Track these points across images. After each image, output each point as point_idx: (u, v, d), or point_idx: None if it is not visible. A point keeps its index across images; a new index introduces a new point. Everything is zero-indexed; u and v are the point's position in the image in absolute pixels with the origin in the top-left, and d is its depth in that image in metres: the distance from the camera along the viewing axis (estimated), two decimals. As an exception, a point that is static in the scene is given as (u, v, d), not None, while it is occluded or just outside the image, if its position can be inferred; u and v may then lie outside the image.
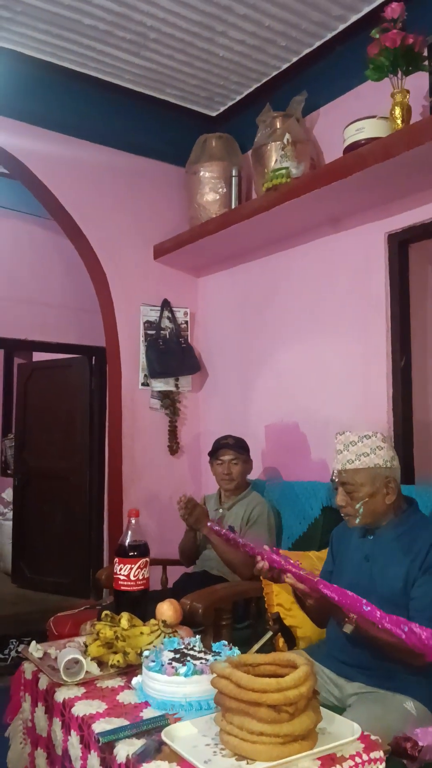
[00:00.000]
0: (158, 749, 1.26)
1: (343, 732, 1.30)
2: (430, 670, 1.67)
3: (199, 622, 2.22)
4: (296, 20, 3.02)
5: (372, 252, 2.94)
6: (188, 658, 1.53)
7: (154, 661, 1.52)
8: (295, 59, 3.31)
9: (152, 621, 1.84)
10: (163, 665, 1.49)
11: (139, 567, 1.95)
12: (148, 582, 1.99)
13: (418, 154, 2.36)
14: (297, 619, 2.19)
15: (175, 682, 1.45)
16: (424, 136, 2.30)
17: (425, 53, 2.47)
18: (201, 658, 1.53)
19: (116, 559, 1.98)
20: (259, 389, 3.57)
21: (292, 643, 2.17)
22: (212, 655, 1.56)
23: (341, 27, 3.06)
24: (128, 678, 1.63)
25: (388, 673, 1.72)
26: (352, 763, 1.23)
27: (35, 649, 1.80)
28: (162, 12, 2.96)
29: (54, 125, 3.44)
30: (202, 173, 3.57)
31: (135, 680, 1.57)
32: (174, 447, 3.79)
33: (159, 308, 3.81)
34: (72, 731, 1.46)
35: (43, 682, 1.67)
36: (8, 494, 5.87)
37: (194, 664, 1.48)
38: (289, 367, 3.36)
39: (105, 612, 1.85)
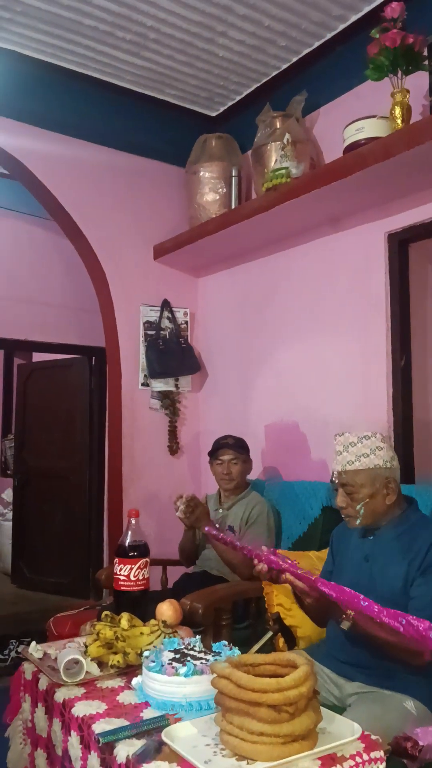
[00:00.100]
0: (158, 749, 1.26)
1: (343, 732, 1.30)
2: (429, 670, 1.67)
3: (199, 622, 2.22)
4: (296, 20, 3.02)
5: (372, 251, 2.94)
6: (188, 659, 1.53)
7: (154, 662, 1.52)
8: (295, 59, 3.31)
9: (152, 621, 1.84)
10: (163, 665, 1.49)
11: (139, 567, 1.95)
12: (148, 582, 1.99)
13: (418, 153, 2.36)
14: (297, 618, 2.19)
15: (175, 683, 1.45)
16: (424, 136, 2.30)
17: (425, 53, 2.47)
18: (201, 659, 1.53)
19: (116, 560, 1.98)
20: (258, 389, 3.57)
21: (292, 643, 2.17)
22: (212, 655, 1.56)
23: (341, 27, 3.06)
24: (128, 678, 1.63)
25: (388, 673, 1.72)
26: (352, 762, 1.23)
27: (35, 650, 1.80)
28: (162, 12, 2.96)
29: (54, 125, 3.44)
30: (202, 173, 3.57)
31: (135, 680, 1.57)
32: (174, 447, 3.79)
33: (159, 308, 3.80)
34: (72, 731, 1.46)
35: (43, 683, 1.67)
36: (8, 494, 5.87)
37: (194, 665, 1.48)
38: (289, 366, 3.36)
39: (105, 612, 1.85)
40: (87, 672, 1.63)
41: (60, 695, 1.56)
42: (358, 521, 1.86)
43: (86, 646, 1.70)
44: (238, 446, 2.93)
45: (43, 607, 3.87)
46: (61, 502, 4.74)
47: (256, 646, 1.72)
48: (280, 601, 2.30)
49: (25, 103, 3.32)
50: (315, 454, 3.16)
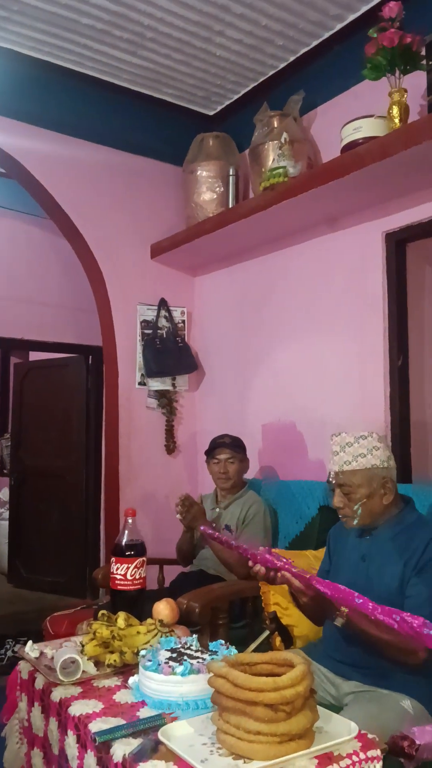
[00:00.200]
0: (155, 749, 1.26)
1: (340, 731, 1.30)
2: (425, 669, 1.67)
3: (196, 622, 2.23)
4: (294, 19, 3.01)
5: (369, 251, 2.94)
6: (185, 658, 1.53)
7: (150, 661, 1.52)
8: (292, 58, 3.31)
9: (149, 620, 1.84)
10: (159, 664, 1.49)
11: (135, 566, 1.95)
12: (144, 581, 1.99)
13: (416, 153, 2.36)
14: (294, 618, 2.19)
15: (172, 682, 1.45)
16: (422, 136, 2.30)
17: (423, 52, 2.47)
18: (198, 658, 1.53)
19: (113, 559, 1.98)
20: (255, 388, 3.57)
21: (288, 642, 2.18)
22: (209, 655, 1.56)
23: (339, 26, 3.06)
24: (125, 677, 1.63)
25: (385, 672, 1.72)
26: (349, 761, 1.23)
27: (31, 649, 1.79)
28: (159, 11, 2.95)
29: (51, 124, 3.43)
30: (199, 172, 3.57)
31: (132, 680, 1.57)
32: (171, 446, 3.78)
33: (156, 307, 3.80)
34: (69, 731, 1.45)
35: (40, 682, 1.67)
36: (4, 493, 5.86)
37: (191, 664, 1.48)
38: (286, 366, 3.36)
39: (101, 611, 1.85)
40: (83, 671, 1.63)
41: (56, 694, 1.56)
42: (355, 521, 1.86)
43: (83, 646, 1.70)
44: (235, 445, 2.93)
45: (39, 607, 3.87)
46: (58, 502, 4.74)
47: (253, 645, 1.72)
48: (276, 600, 2.30)
49: (22, 102, 3.31)
50: (312, 453, 3.16)
